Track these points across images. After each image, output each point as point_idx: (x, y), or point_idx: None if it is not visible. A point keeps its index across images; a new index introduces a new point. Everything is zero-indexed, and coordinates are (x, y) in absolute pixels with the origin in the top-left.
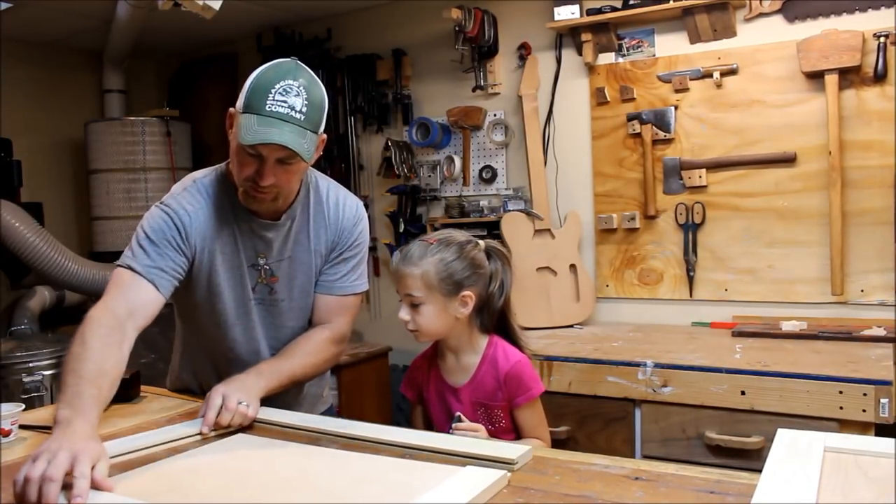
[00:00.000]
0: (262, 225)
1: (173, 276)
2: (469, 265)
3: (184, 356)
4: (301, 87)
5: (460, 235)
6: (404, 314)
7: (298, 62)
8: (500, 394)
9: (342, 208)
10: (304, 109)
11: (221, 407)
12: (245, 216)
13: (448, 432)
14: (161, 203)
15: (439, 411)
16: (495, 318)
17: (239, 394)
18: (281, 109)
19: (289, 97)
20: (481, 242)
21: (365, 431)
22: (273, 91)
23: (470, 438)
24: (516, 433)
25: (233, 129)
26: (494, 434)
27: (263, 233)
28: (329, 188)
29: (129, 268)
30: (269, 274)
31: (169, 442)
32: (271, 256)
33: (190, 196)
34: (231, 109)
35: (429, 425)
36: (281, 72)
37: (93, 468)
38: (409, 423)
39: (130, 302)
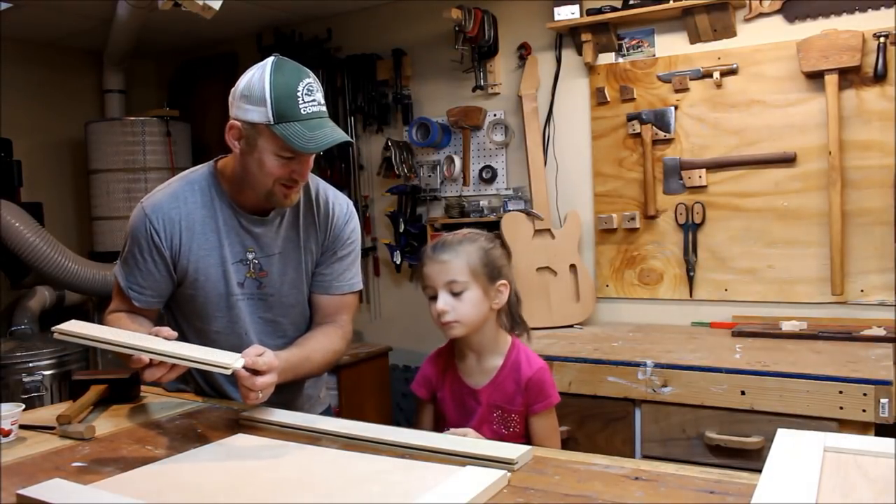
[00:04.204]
0: (251, 220)
1: (151, 289)
2: (502, 255)
3: None
4: (315, 82)
5: (481, 231)
6: (443, 304)
7: (284, 57)
8: (518, 398)
9: (332, 207)
10: (323, 101)
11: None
12: (233, 212)
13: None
14: (143, 204)
15: (455, 412)
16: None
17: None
18: (314, 108)
19: (314, 95)
20: (491, 234)
21: (365, 431)
22: (299, 94)
23: (470, 439)
24: (527, 441)
25: (243, 140)
26: (506, 439)
27: (252, 228)
28: (319, 187)
29: (117, 279)
30: (258, 269)
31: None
32: (260, 251)
33: (172, 194)
34: (235, 123)
35: (437, 425)
36: (292, 74)
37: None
38: (410, 422)
39: (128, 307)
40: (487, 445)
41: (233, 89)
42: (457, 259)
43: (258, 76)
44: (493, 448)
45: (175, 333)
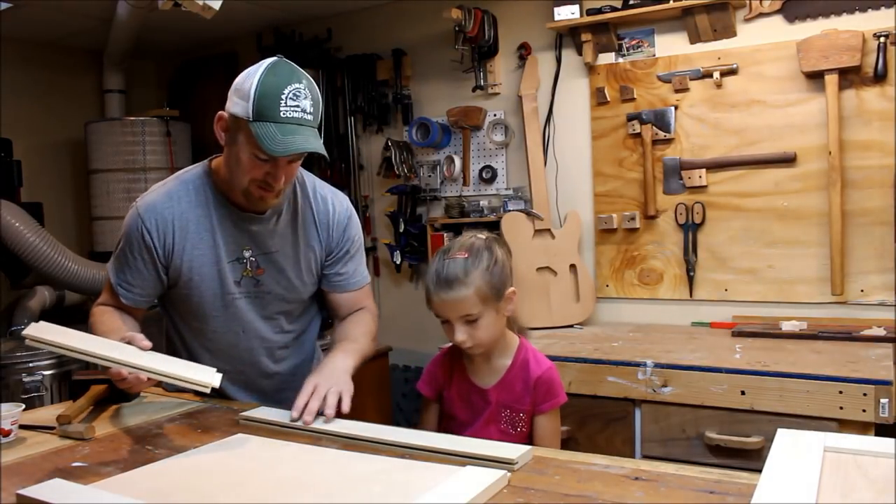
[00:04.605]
0: (247, 219)
1: (140, 287)
2: (503, 263)
3: (169, 350)
4: (306, 89)
5: (477, 238)
6: (461, 335)
7: (287, 60)
8: (527, 398)
9: (331, 205)
10: (311, 110)
11: (312, 395)
12: (228, 211)
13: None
14: (136, 203)
15: (464, 412)
16: None
17: (329, 382)
18: (296, 114)
19: (300, 101)
20: (490, 234)
21: (365, 431)
22: (283, 97)
23: (469, 439)
24: (531, 442)
25: (228, 133)
26: (513, 440)
27: (248, 226)
28: (316, 185)
29: (108, 275)
30: (255, 266)
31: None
32: (257, 249)
33: (166, 193)
34: (223, 114)
35: (442, 425)
36: (284, 75)
37: None
38: (410, 422)
39: (115, 303)
40: (487, 445)
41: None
42: (466, 293)
43: (252, 71)
44: (492, 448)
45: (150, 343)
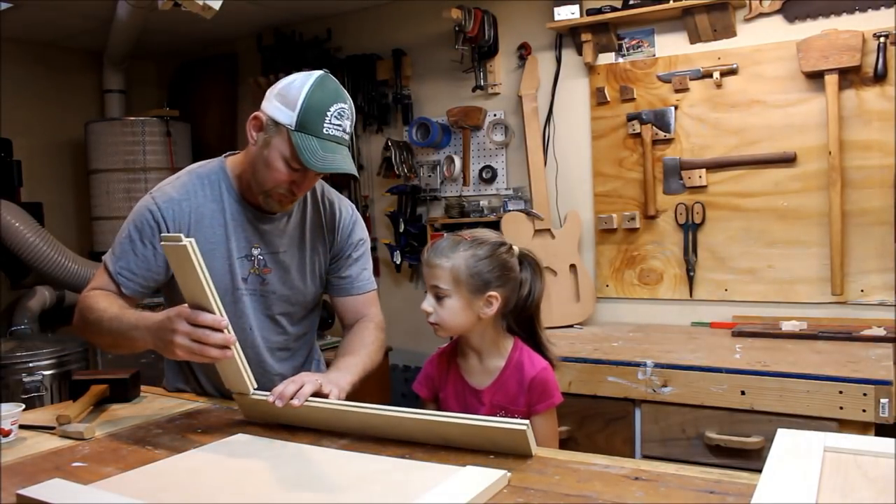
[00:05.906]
0: (259, 217)
1: (142, 278)
2: (499, 266)
3: None
4: (349, 109)
5: (494, 236)
6: (427, 305)
7: (333, 77)
8: (521, 399)
9: (338, 209)
10: (349, 131)
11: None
12: (241, 208)
13: None
14: (151, 193)
15: (458, 412)
16: (523, 324)
17: (322, 380)
18: (337, 133)
19: (343, 121)
20: (515, 247)
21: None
22: (329, 114)
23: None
24: None
25: (262, 134)
26: None
27: (259, 225)
28: (323, 189)
29: (106, 264)
30: (262, 265)
31: None
32: (265, 248)
33: (181, 186)
34: (260, 115)
35: None
36: (331, 93)
37: None
38: None
39: (114, 292)
40: (499, 420)
41: (273, 85)
42: (443, 266)
43: (300, 82)
44: (503, 421)
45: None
